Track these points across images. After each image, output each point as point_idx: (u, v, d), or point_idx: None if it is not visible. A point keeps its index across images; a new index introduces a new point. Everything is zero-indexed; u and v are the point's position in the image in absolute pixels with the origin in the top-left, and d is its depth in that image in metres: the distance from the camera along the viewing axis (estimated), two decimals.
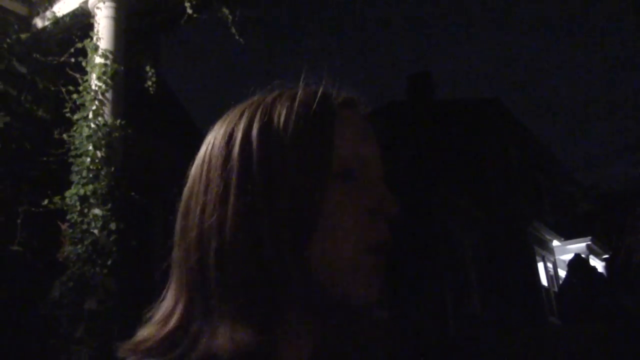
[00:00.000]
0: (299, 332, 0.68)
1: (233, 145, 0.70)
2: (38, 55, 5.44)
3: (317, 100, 0.71)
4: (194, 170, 0.73)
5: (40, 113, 5.38)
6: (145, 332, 0.69)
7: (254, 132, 0.69)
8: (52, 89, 5.42)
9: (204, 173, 0.71)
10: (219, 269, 0.66)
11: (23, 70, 5.46)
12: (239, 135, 0.70)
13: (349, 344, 0.75)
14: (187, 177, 0.75)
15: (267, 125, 0.69)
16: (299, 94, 0.72)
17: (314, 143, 0.68)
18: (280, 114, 0.70)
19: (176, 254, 0.72)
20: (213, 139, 0.73)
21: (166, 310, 0.70)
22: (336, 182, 0.68)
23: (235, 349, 0.63)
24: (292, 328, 0.67)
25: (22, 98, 5.43)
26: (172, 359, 0.65)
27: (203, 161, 0.72)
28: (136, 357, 0.67)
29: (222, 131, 0.72)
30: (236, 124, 0.71)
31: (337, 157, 0.69)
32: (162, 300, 0.73)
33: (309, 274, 0.66)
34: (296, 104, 0.71)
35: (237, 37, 6.09)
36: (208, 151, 0.72)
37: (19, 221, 4.95)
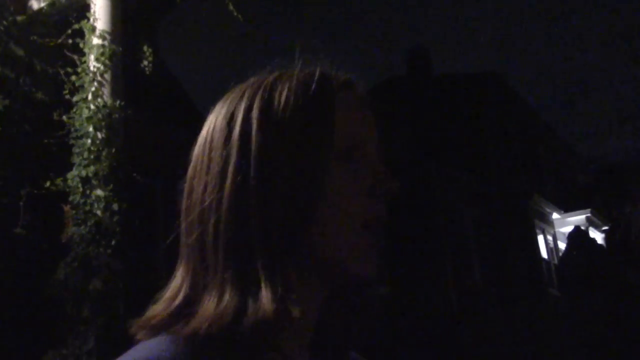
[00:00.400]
0: (302, 302, 0.70)
1: (234, 125, 0.72)
2: (35, 37, 5.42)
3: (316, 81, 0.73)
4: (196, 150, 0.76)
5: (39, 95, 5.37)
6: (155, 309, 0.72)
7: (254, 112, 0.71)
8: (50, 71, 5.41)
9: (206, 152, 0.73)
10: (215, 243, 0.69)
11: (20, 52, 5.44)
12: (239, 115, 0.72)
13: (350, 317, 0.78)
14: (191, 157, 0.77)
15: (267, 105, 0.71)
16: (298, 74, 0.74)
17: (314, 123, 0.70)
18: (281, 95, 0.72)
19: (182, 232, 0.75)
20: (215, 119, 0.75)
21: (174, 287, 0.73)
22: (336, 162, 0.70)
23: (232, 314, 0.65)
24: (295, 299, 0.69)
25: (21, 81, 5.42)
26: (178, 330, 0.67)
27: (205, 141, 0.74)
28: (146, 331, 0.70)
29: (223, 111, 0.74)
30: (237, 104, 0.73)
31: (337, 137, 0.71)
32: (173, 278, 0.75)
33: (306, 248, 0.69)
34: (295, 84, 0.73)
35: (235, 14, 6.08)
36: (210, 131, 0.74)
37: (21, 204, 4.98)
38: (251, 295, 0.66)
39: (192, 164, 0.75)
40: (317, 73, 0.75)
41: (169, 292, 0.73)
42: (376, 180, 0.72)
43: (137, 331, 0.71)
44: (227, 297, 0.67)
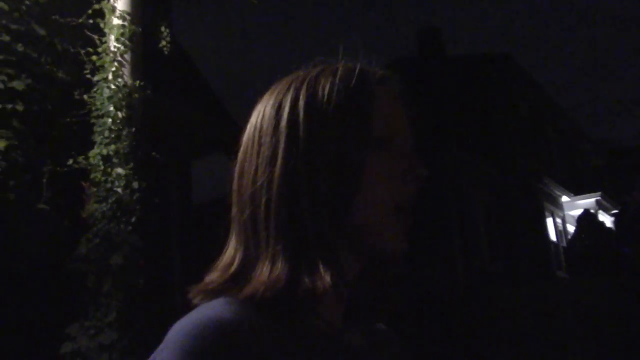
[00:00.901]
0: (340, 273, 0.79)
1: (282, 114, 0.81)
2: (57, 17, 5.51)
3: (355, 75, 0.82)
4: (246, 136, 0.85)
5: (60, 75, 5.47)
6: (211, 277, 0.82)
7: (301, 103, 0.80)
8: (72, 50, 5.50)
9: (256, 138, 0.82)
10: (267, 219, 0.78)
11: (42, 32, 5.53)
12: (287, 105, 0.81)
13: (379, 290, 0.88)
14: (240, 143, 0.87)
15: (312, 98, 0.80)
16: (340, 69, 0.83)
17: (354, 114, 0.80)
18: (324, 87, 0.81)
19: (234, 210, 0.84)
20: (263, 108, 0.84)
21: (227, 258, 0.83)
22: (373, 149, 0.79)
23: (284, 281, 0.75)
24: (345, 273, 0.79)
25: (42, 60, 5.52)
26: (235, 294, 0.77)
27: (255, 128, 0.84)
28: (204, 296, 0.80)
29: (271, 101, 0.83)
30: (284, 95, 0.82)
31: (374, 126, 0.80)
32: (225, 251, 0.85)
33: (346, 226, 0.78)
34: (337, 78, 0.82)
35: None
36: (259, 119, 0.84)
37: (44, 180, 5.10)
38: (306, 266, 0.76)
39: (242, 149, 0.85)
40: (357, 68, 0.83)
41: (223, 262, 0.83)
42: (408, 167, 0.81)
43: (195, 296, 0.80)
44: (279, 266, 0.76)
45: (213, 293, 0.79)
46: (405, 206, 0.81)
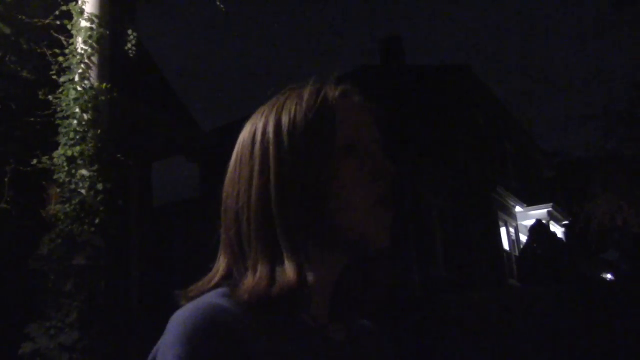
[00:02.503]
0: (325, 271, 0.91)
1: (256, 141, 0.93)
2: (23, 17, 5.50)
3: (318, 95, 0.94)
4: (231, 164, 0.97)
5: (25, 74, 5.47)
6: (197, 285, 0.93)
7: (269, 127, 0.92)
8: (38, 50, 5.49)
9: (237, 165, 0.95)
10: (249, 234, 0.90)
11: (7, 30, 5.52)
12: (260, 132, 0.93)
13: (363, 285, 0.99)
14: (227, 168, 0.98)
15: (279, 122, 0.92)
16: (303, 92, 0.95)
17: (318, 131, 0.91)
18: (290, 111, 0.93)
19: (222, 229, 0.95)
20: (242, 138, 0.97)
21: (214, 270, 0.94)
22: (342, 156, 0.91)
23: (264, 284, 0.85)
24: (317, 266, 0.90)
25: (7, 59, 5.51)
26: (219, 295, 0.86)
27: (237, 156, 0.96)
28: (189, 299, 0.89)
29: (247, 130, 0.96)
30: (258, 123, 0.95)
31: (340, 137, 0.91)
32: (215, 266, 0.95)
33: (326, 228, 0.89)
34: (301, 101, 0.94)
35: (217, 4, 6.24)
36: (239, 147, 0.96)
37: (6, 180, 5.09)
38: (278, 268, 0.87)
39: (227, 176, 0.96)
40: (319, 88, 0.96)
41: (210, 274, 0.94)
42: (376, 167, 0.92)
43: (181, 300, 0.90)
44: (259, 272, 0.87)
45: (197, 296, 0.89)
46: (383, 202, 0.92)
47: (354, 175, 0.90)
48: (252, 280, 0.87)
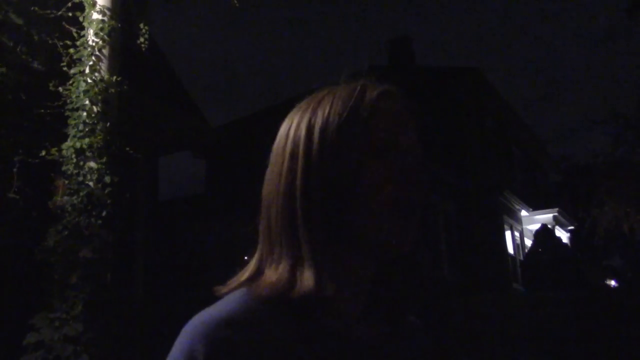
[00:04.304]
0: (349, 273, 0.90)
1: (288, 136, 0.93)
2: (35, 8, 5.50)
3: (355, 94, 0.93)
4: (271, 159, 0.97)
5: (35, 65, 5.47)
6: (230, 280, 0.94)
7: (303, 123, 0.92)
8: (50, 42, 5.49)
9: (272, 158, 0.95)
10: (275, 229, 0.90)
11: (19, 21, 5.53)
12: (294, 127, 0.94)
13: (399, 286, 0.98)
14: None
15: (314, 117, 0.92)
16: (342, 90, 0.95)
17: (349, 129, 0.90)
18: (326, 108, 0.92)
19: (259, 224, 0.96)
20: (279, 133, 0.97)
21: (248, 264, 0.95)
22: (373, 158, 0.89)
23: (284, 284, 0.86)
24: (343, 270, 0.89)
25: (18, 49, 5.52)
26: (249, 290, 0.88)
27: (273, 151, 0.96)
28: (223, 291, 0.91)
29: (284, 125, 0.96)
30: (294, 118, 0.95)
31: (373, 139, 0.90)
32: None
33: (348, 231, 0.88)
34: (338, 98, 0.93)
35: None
36: (276, 142, 0.96)
37: (15, 170, 5.09)
38: (299, 267, 0.87)
39: (267, 171, 0.96)
40: (358, 87, 0.94)
41: (246, 267, 0.95)
42: (406, 172, 0.90)
43: (217, 292, 0.92)
44: (281, 269, 0.88)
45: (230, 290, 0.91)
46: (407, 207, 0.90)
47: (380, 178, 0.89)
48: (273, 276, 0.88)
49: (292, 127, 0.94)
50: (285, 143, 0.93)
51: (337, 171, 0.88)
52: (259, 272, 0.91)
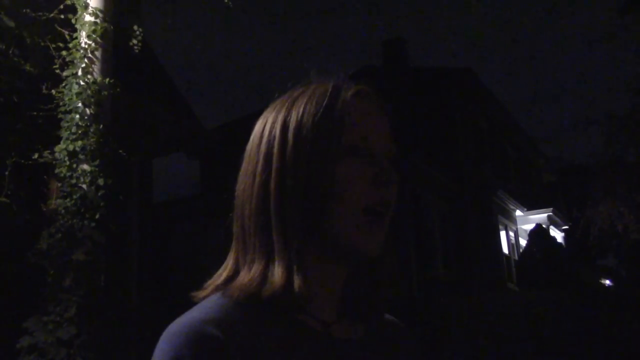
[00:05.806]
0: (322, 275, 0.90)
1: (263, 135, 0.92)
2: (27, 10, 5.49)
3: (328, 93, 0.92)
4: (244, 158, 0.95)
5: (28, 67, 5.45)
6: (207, 283, 0.93)
7: (277, 123, 0.91)
8: (42, 44, 5.48)
9: (246, 158, 0.94)
10: (249, 229, 0.90)
11: (11, 24, 5.50)
12: (268, 126, 0.92)
13: (369, 288, 0.97)
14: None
15: (288, 117, 0.91)
16: (315, 89, 0.93)
17: (324, 129, 0.89)
18: (299, 107, 0.91)
19: (233, 224, 0.95)
20: (254, 132, 0.96)
21: (224, 266, 0.94)
22: (345, 157, 0.88)
23: (255, 284, 0.85)
24: (315, 271, 0.89)
25: (10, 52, 5.49)
26: (219, 297, 0.87)
27: (247, 150, 0.95)
28: (200, 296, 0.91)
29: (258, 124, 0.95)
30: (268, 117, 0.94)
31: (346, 138, 0.89)
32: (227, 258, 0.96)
33: (320, 232, 0.87)
34: (311, 98, 0.92)
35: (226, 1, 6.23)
36: (250, 141, 0.95)
37: (6, 173, 5.08)
38: (271, 267, 0.86)
39: (241, 169, 0.95)
40: (330, 87, 0.93)
41: (220, 270, 0.94)
42: (378, 172, 0.89)
43: (194, 297, 0.91)
44: (254, 270, 0.87)
45: (207, 294, 0.91)
46: (378, 210, 0.90)
47: (351, 177, 0.88)
48: (246, 277, 0.87)
49: (266, 127, 0.93)
50: (260, 143, 0.92)
51: (310, 171, 0.87)
52: (236, 274, 0.91)
